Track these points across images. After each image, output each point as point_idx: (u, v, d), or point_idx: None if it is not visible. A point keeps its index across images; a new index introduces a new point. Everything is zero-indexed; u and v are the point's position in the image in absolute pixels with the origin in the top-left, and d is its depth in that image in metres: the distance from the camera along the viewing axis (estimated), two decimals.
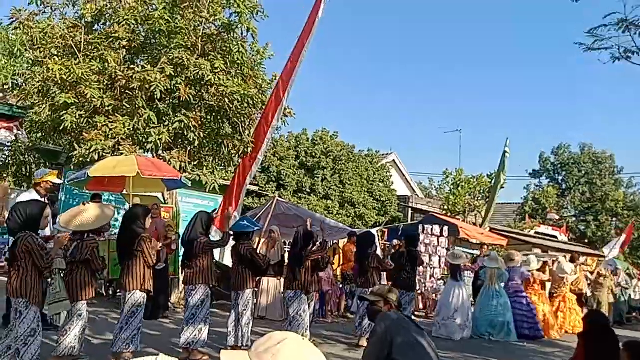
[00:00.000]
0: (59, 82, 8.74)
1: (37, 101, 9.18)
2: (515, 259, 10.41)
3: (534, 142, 69.41)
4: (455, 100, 70.12)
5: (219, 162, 10.62)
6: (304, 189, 18.35)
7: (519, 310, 9.89)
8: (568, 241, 24.57)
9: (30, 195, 6.59)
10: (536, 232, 22.55)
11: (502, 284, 9.87)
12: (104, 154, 8.53)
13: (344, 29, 68.52)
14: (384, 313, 4.04)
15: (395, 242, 12.56)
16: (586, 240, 28.94)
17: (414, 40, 71.07)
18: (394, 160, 25.43)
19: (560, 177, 34.31)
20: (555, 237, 23.16)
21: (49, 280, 5.01)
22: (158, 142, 8.67)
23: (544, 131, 66.40)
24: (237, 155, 10.08)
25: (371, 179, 19.78)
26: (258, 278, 8.41)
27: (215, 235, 9.20)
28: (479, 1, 65.44)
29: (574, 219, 31.78)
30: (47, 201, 7.04)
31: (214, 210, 9.45)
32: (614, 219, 30.78)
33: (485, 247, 12.45)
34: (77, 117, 8.74)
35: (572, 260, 12.86)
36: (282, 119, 10.24)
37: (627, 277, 14.85)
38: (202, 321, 5.92)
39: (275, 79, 10.31)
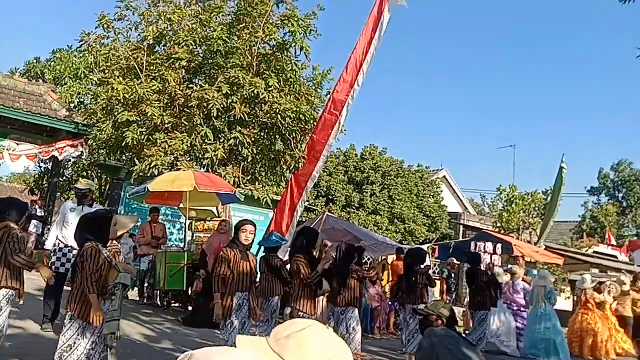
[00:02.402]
0: (122, 101, 9.24)
1: (101, 119, 9.72)
2: (517, 273, 10.41)
3: (592, 158, 66.73)
4: (510, 115, 68.56)
5: (272, 178, 10.86)
6: (352, 204, 18.39)
7: (520, 323, 9.97)
8: (629, 261, 23.34)
9: (72, 203, 6.73)
10: (594, 252, 21.58)
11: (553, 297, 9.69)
12: (163, 170, 8.92)
13: (393, 45, 68.60)
14: (431, 329, 4.05)
15: (454, 260, 12.40)
16: None
17: (466, 57, 70.23)
18: (444, 176, 25.08)
19: (621, 195, 32.88)
20: (615, 257, 22.07)
21: (112, 297, 4.71)
22: (214, 158, 8.99)
23: (603, 147, 63.78)
24: (288, 171, 10.28)
25: (421, 194, 19.59)
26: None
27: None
28: (533, 17, 64.06)
29: (635, 238, 30.26)
30: (86, 209, 6.88)
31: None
32: None
33: (521, 259, 11.95)
34: (138, 134, 9.19)
35: (635, 280, 12.29)
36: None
37: None
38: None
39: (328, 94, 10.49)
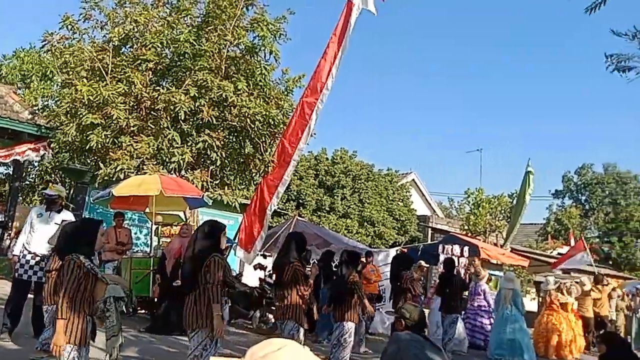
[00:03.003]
0: (87, 103, 9.03)
1: (65, 122, 9.48)
2: (481, 275, 10.93)
3: (558, 162, 68.62)
4: (477, 119, 69.87)
5: (241, 181, 10.78)
6: (323, 208, 18.43)
7: (479, 322, 10.56)
8: (591, 261, 24.02)
9: (39, 209, 6.54)
10: (559, 253, 22.16)
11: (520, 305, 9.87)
12: (129, 173, 8.75)
13: (361, 46, 69.15)
14: (396, 333, 4.06)
15: (422, 263, 12.52)
16: (610, 262, 28.35)
17: (434, 58, 71.29)
18: (413, 179, 25.38)
19: (584, 198, 33.80)
20: None
21: (106, 312, 4.31)
22: (181, 161, 8.88)
23: (568, 151, 65.60)
24: (258, 174, 10.23)
25: (390, 198, 19.78)
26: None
27: (240, 254, 9.30)
28: (501, 20, 65.53)
29: (597, 240, 31.19)
30: (54, 215, 6.51)
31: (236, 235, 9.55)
32: (639, 239, 30.13)
33: (476, 260, 11.90)
34: (103, 137, 9.00)
35: (597, 282, 12.62)
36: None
37: None
38: None
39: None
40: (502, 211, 18.50)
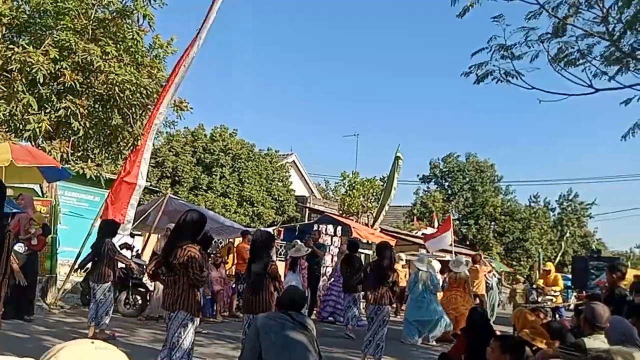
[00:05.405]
0: None
1: None
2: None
3: (430, 149, 73.83)
4: (355, 105, 72.42)
5: (107, 155, 10.04)
6: (200, 186, 17.93)
7: (331, 297, 11.18)
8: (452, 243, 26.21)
9: None
10: (423, 234, 23.87)
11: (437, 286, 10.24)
12: None
13: (244, 26, 67.95)
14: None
15: (298, 242, 12.70)
16: (467, 242, 31.20)
17: (317, 41, 72.31)
18: (293, 160, 25.66)
19: (447, 183, 36.52)
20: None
21: None
22: (37, 130, 8.02)
23: (438, 140, 70.69)
24: (126, 148, 9.58)
25: (270, 178, 19.80)
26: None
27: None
28: (384, 12, 68.13)
29: (457, 222, 34.02)
30: None
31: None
32: (493, 223, 33.46)
33: (317, 233, 12.30)
34: None
35: (474, 262, 13.48)
36: (178, 112, 9.93)
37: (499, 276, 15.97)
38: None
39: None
40: (374, 193, 19.39)
